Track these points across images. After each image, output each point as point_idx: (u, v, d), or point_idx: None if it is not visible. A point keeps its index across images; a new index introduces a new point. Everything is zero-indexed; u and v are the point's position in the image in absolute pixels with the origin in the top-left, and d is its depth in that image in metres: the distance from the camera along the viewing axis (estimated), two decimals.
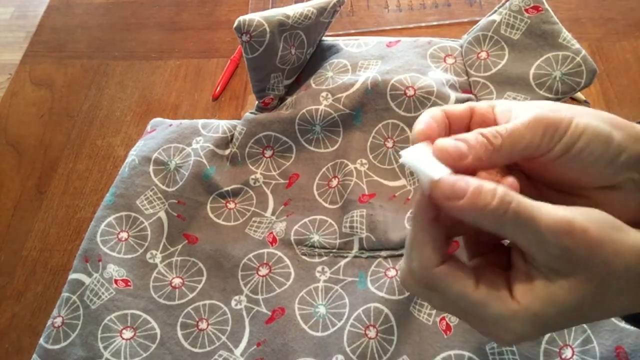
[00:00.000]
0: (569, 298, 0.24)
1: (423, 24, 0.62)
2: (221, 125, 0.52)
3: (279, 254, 0.46)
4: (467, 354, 0.40)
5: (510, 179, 0.26)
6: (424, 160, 0.25)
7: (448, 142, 0.25)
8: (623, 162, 0.26)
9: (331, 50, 0.56)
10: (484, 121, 0.28)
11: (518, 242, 0.25)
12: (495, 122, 0.28)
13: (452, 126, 0.28)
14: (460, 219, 0.25)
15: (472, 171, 0.25)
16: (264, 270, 0.46)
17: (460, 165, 0.25)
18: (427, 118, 0.27)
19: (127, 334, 0.43)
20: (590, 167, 0.26)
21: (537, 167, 0.27)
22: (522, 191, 0.26)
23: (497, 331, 0.25)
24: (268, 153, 0.51)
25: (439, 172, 0.24)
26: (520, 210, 0.23)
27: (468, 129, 0.28)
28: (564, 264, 0.24)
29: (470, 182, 0.24)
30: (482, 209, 0.23)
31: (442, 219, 0.26)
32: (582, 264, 0.24)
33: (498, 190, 0.23)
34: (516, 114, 0.26)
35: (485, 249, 0.29)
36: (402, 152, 0.26)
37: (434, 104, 0.49)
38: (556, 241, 0.23)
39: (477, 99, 0.49)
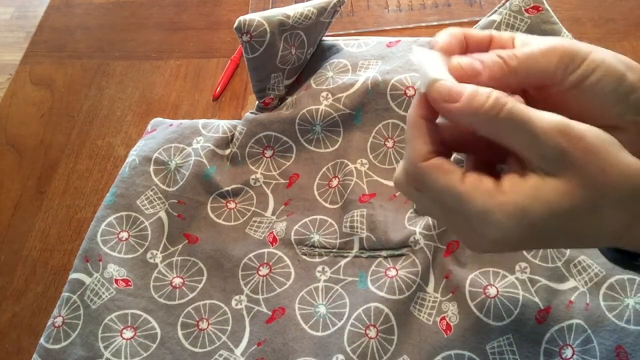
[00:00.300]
0: (561, 200, 0.23)
1: (423, 24, 0.62)
2: (221, 125, 0.52)
3: (279, 253, 0.46)
4: (467, 353, 0.40)
5: (516, 96, 0.26)
6: (432, 64, 0.26)
7: (463, 59, 0.26)
8: (632, 102, 0.26)
9: (331, 50, 0.56)
10: (502, 49, 0.28)
11: (512, 145, 0.25)
12: None
13: (470, 49, 0.28)
14: (456, 123, 0.26)
15: None
16: (264, 270, 0.46)
17: (473, 83, 0.25)
18: (447, 36, 0.27)
19: (128, 333, 0.43)
20: (599, 103, 0.26)
21: (547, 98, 0.27)
22: None
23: (481, 228, 0.25)
24: (268, 153, 0.51)
25: (442, 75, 0.25)
26: (515, 111, 0.24)
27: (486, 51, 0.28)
28: (559, 166, 0.24)
29: (466, 86, 0.24)
30: (477, 110, 0.24)
31: (440, 129, 0.27)
32: (577, 168, 0.23)
33: (493, 92, 0.24)
34: (536, 42, 0.26)
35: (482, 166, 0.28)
36: (414, 48, 0.27)
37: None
38: (551, 142, 0.23)
39: None
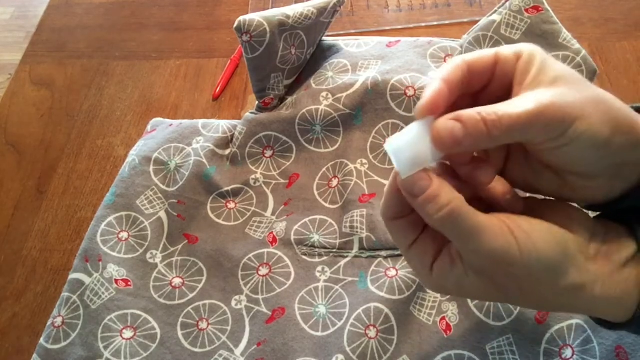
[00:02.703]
0: (475, 291, 0.28)
1: (423, 24, 0.62)
2: (221, 125, 0.52)
3: (279, 253, 0.46)
4: (467, 353, 0.40)
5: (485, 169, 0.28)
6: (406, 150, 0.26)
7: (443, 129, 0.26)
8: (611, 164, 0.27)
9: (331, 50, 0.56)
10: (505, 76, 0.28)
11: (455, 243, 0.27)
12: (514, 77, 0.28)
13: (475, 77, 0.28)
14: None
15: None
16: (264, 270, 0.46)
17: (455, 151, 0.27)
18: (439, 86, 0.27)
19: (128, 333, 0.43)
20: (575, 162, 0.27)
21: (529, 147, 0.28)
22: (516, 160, 0.30)
23: (421, 280, 0.31)
24: (268, 153, 0.51)
25: (409, 168, 0.26)
26: (458, 228, 0.26)
27: (491, 78, 0.28)
28: (483, 274, 0.27)
29: (432, 184, 0.26)
30: (429, 212, 0.26)
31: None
32: (494, 281, 0.27)
33: (451, 202, 0.26)
34: (524, 100, 0.26)
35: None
36: (387, 141, 0.27)
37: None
38: (478, 261, 0.26)
39: None
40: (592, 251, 0.28)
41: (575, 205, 0.30)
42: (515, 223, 0.26)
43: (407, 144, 0.26)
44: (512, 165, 0.31)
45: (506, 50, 0.28)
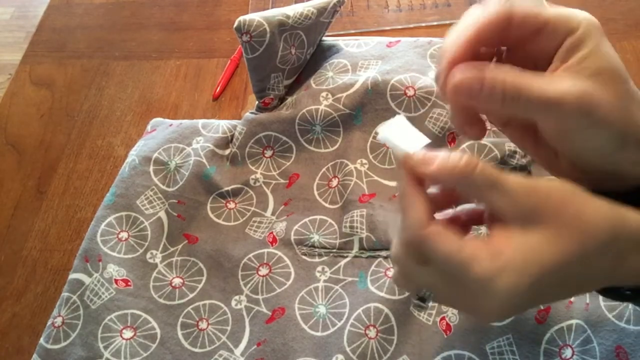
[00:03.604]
0: (549, 249, 0.24)
1: (423, 24, 0.62)
2: (221, 125, 0.52)
3: (279, 253, 0.46)
4: (467, 354, 0.40)
5: None
6: (400, 135, 0.27)
7: (463, 81, 0.26)
8: (610, 163, 0.27)
9: (331, 50, 0.56)
10: (550, 42, 0.27)
11: (489, 203, 0.26)
12: (539, 32, 0.26)
13: (515, 30, 0.27)
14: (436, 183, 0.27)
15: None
16: (264, 270, 0.46)
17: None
18: (465, 36, 0.26)
19: (127, 333, 0.43)
20: (575, 152, 0.27)
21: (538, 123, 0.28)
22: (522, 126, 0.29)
23: (483, 298, 0.25)
24: (268, 153, 0.51)
25: (413, 146, 0.27)
26: (486, 170, 0.25)
27: (532, 39, 0.27)
28: (534, 220, 0.25)
29: (439, 153, 0.26)
30: (452, 170, 0.25)
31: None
32: (552, 220, 0.24)
33: (464, 156, 0.25)
34: (567, 67, 0.25)
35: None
36: (378, 129, 0.27)
37: (434, 105, 0.49)
38: (521, 200, 0.25)
39: None
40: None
41: None
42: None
43: (399, 126, 0.28)
44: (514, 127, 0.31)
45: (560, 20, 0.26)
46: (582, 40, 0.26)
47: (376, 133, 0.50)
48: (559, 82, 0.25)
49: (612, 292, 0.30)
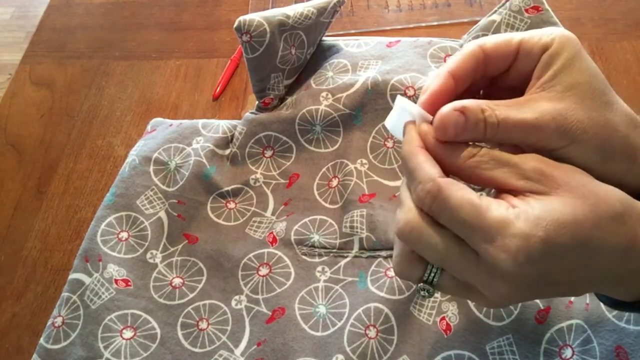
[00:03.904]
0: (564, 208, 0.24)
1: (423, 24, 0.62)
2: (221, 125, 0.52)
3: (279, 253, 0.46)
4: (467, 354, 0.40)
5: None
6: (404, 116, 0.28)
7: (448, 121, 0.26)
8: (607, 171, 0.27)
9: (331, 50, 0.56)
10: (525, 68, 0.27)
11: (499, 178, 0.25)
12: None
13: (492, 64, 0.27)
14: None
15: None
16: (264, 270, 0.46)
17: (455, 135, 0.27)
18: (442, 82, 0.27)
19: (128, 333, 0.43)
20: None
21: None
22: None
23: (499, 248, 0.24)
24: (268, 153, 0.51)
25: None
26: (493, 151, 0.25)
27: (511, 66, 0.27)
28: (545, 185, 0.25)
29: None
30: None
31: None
32: (562, 185, 0.24)
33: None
34: (543, 83, 0.26)
35: None
36: (386, 123, 0.28)
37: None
38: (530, 165, 0.25)
39: None
40: None
41: None
42: None
43: (405, 112, 0.28)
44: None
45: (533, 40, 0.27)
46: (555, 55, 0.26)
47: (376, 133, 0.50)
48: (533, 107, 0.25)
49: (623, 306, 0.30)
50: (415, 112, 0.27)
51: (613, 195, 0.25)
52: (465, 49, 0.27)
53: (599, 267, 0.25)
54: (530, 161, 0.25)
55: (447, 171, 0.27)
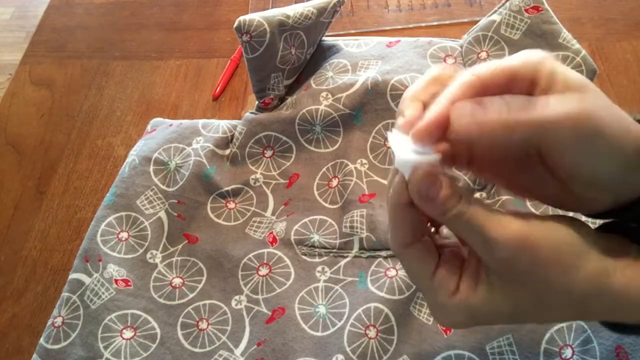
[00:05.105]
0: (505, 303, 0.26)
1: (423, 24, 0.62)
2: (221, 125, 0.52)
3: (279, 253, 0.46)
4: (467, 353, 0.40)
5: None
6: (407, 147, 0.25)
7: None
8: (622, 174, 0.26)
9: (331, 50, 0.56)
10: (524, 88, 0.26)
11: (469, 244, 0.26)
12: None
13: (487, 92, 0.26)
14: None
15: None
16: (264, 270, 0.46)
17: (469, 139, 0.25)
18: (442, 111, 0.25)
19: (128, 333, 0.43)
20: (584, 172, 0.26)
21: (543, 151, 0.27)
22: (520, 160, 0.28)
23: (440, 314, 0.28)
24: (268, 153, 0.51)
25: (419, 160, 0.25)
26: (474, 218, 0.25)
27: (506, 91, 0.26)
28: (507, 273, 0.25)
29: (443, 184, 0.25)
30: (444, 213, 0.25)
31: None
32: (523, 277, 0.25)
33: (463, 197, 0.25)
34: (556, 90, 0.25)
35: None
36: (389, 136, 0.26)
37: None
38: (501, 252, 0.25)
39: None
40: (601, 247, 0.27)
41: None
42: (526, 214, 0.26)
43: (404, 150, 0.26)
44: (514, 165, 0.29)
45: (520, 57, 0.27)
46: (554, 70, 0.26)
47: (376, 133, 0.50)
48: (557, 102, 0.24)
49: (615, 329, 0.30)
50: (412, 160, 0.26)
51: (583, 284, 0.25)
52: (461, 78, 0.26)
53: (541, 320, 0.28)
54: (506, 246, 0.24)
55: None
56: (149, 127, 0.55)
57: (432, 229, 0.31)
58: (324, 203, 0.49)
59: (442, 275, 0.27)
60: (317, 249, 0.46)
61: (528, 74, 0.26)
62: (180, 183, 0.49)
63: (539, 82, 0.26)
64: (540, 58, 0.27)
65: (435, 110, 0.25)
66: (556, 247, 0.25)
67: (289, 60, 0.52)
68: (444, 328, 0.41)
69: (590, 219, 0.30)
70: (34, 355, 0.43)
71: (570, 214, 0.29)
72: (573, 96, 0.25)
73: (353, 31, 0.63)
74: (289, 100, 0.52)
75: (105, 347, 0.42)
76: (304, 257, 0.46)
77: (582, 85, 0.25)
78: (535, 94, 0.25)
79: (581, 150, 0.24)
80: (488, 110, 0.24)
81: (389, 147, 0.43)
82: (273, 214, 0.49)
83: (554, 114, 0.24)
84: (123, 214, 0.48)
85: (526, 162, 0.28)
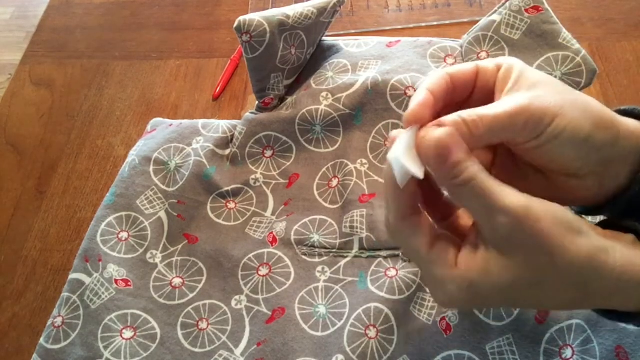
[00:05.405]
0: (503, 276, 0.26)
1: (423, 24, 0.62)
2: (221, 125, 0.52)
3: (279, 253, 0.46)
4: (467, 353, 0.40)
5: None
6: (407, 155, 0.27)
7: (430, 136, 0.26)
8: (593, 160, 0.27)
9: (331, 50, 0.56)
10: (486, 86, 0.29)
11: (472, 214, 0.27)
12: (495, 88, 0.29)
13: (457, 88, 0.29)
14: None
15: None
16: (264, 270, 0.46)
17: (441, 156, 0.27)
18: (423, 97, 0.28)
19: (128, 333, 0.43)
20: (558, 160, 0.28)
21: (513, 147, 0.29)
22: (503, 164, 0.31)
23: (437, 289, 0.28)
24: (268, 153, 0.51)
25: (404, 178, 0.27)
26: (478, 184, 0.25)
27: (473, 91, 0.29)
28: (507, 244, 0.26)
29: (453, 150, 0.26)
30: (454, 178, 0.26)
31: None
32: (523, 249, 0.25)
33: (473, 164, 0.26)
34: (505, 101, 0.27)
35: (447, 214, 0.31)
36: (389, 156, 0.27)
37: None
38: (506, 222, 0.25)
39: None
40: (601, 232, 0.27)
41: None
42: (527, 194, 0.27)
43: (402, 154, 0.27)
44: (499, 170, 0.31)
45: (486, 62, 0.30)
46: (510, 69, 0.29)
47: (376, 133, 0.50)
48: (507, 101, 0.27)
49: (605, 316, 0.30)
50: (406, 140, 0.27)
51: (580, 261, 0.25)
52: (432, 74, 0.29)
53: (538, 306, 0.30)
54: (510, 215, 0.25)
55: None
56: (149, 127, 0.55)
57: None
58: (324, 203, 0.49)
59: (440, 247, 0.28)
60: (317, 249, 0.46)
61: (490, 70, 0.29)
62: (180, 183, 0.49)
63: (496, 84, 0.29)
64: (497, 61, 0.30)
65: (416, 99, 0.28)
66: (557, 221, 0.25)
67: (289, 60, 0.52)
68: (443, 328, 0.41)
69: (589, 218, 0.31)
70: (34, 355, 0.43)
71: None
72: (526, 92, 0.27)
73: (353, 31, 0.63)
74: (289, 100, 0.52)
75: (105, 347, 0.42)
76: (304, 257, 0.46)
77: (539, 82, 0.28)
78: (503, 94, 0.28)
79: (539, 139, 0.26)
80: (446, 122, 0.27)
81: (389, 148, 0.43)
82: (273, 214, 0.49)
83: (501, 109, 0.26)
84: (123, 214, 0.48)
85: (515, 168, 0.30)
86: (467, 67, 0.30)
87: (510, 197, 0.25)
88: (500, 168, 0.31)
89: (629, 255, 0.26)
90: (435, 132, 0.26)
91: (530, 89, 0.27)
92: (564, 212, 0.26)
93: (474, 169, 0.26)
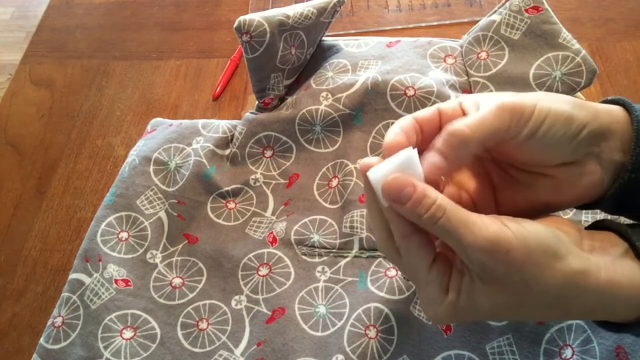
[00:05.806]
0: (485, 301, 0.27)
1: (423, 24, 0.62)
2: (221, 125, 0.52)
3: (279, 254, 0.46)
4: (467, 353, 0.40)
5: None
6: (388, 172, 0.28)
7: (430, 160, 0.28)
8: (584, 137, 0.28)
9: (331, 50, 0.56)
10: (452, 120, 0.30)
11: (452, 244, 0.27)
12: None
13: (424, 130, 0.30)
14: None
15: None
16: (264, 270, 0.46)
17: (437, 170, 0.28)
18: (396, 129, 0.29)
19: (128, 333, 0.43)
20: (553, 146, 0.28)
21: (505, 151, 0.30)
22: (490, 175, 0.32)
23: (428, 307, 0.29)
24: (268, 153, 0.51)
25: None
26: (449, 222, 0.26)
27: (439, 129, 0.30)
28: (484, 274, 0.27)
29: (417, 188, 0.27)
30: (419, 217, 0.27)
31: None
32: (499, 279, 0.26)
33: (437, 199, 0.26)
34: (482, 104, 0.28)
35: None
36: (369, 174, 0.28)
37: (434, 104, 0.49)
38: (476, 256, 0.26)
39: None
40: (586, 247, 0.28)
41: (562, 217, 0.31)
42: (504, 217, 0.27)
43: (389, 166, 0.28)
44: (500, 190, 0.32)
45: (447, 103, 0.31)
46: (473, 97, 0.30)
47: (376, 133, 0.50)
48: (484, 106, 0.28)
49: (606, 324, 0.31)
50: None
51: (559, 284, 0.26)
52: (400, 120, 0.30)
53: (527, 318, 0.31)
54: (480, 250, 0.26)
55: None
56: (149, 127, 0.55)
57: None
58: (324, 203, 0.49)
59: (438, 269, 0.28)
60: (317, 249, 0.46)
61: (451, 109, 0.30)
62: (180, 183, 0.49)
63: (474, 106, 0.29)
64: (462, 99, 0.31)
65: (390, 135, 0.29)
66: (530, 249, 0.26)
67: (289, 60, 0.52)
68: (444, 328, 0.41)
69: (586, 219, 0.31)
70: (34, 355, 0.43)
71: (569, 214, 0.30)
72: (490, 99, 0.28)
73: (353, 31, 0.63)
74: (289, 100, 0.52)
75: (105, 347, 0.42)
76: (304, 257, 0.46)
77: (504, 94, 0.29)
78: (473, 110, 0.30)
79: (528, 126, 0.27)
80: (436, 142, 0.28)
81: None
82: (273, 214, 0.49)
83: (483, 111, 0.28)
84: (123, 214, 0.48)
85: (515, 183, 0.31)
86: (428, 110, 0.30)
87: (481, 230, 0.26)
88: (500, 189, 0.32)
89: (614, 273, 0.27)
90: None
91: (498, 97, 0.29)
92: (542, 237, 0.26)
93: (436, 209, 0.26)
